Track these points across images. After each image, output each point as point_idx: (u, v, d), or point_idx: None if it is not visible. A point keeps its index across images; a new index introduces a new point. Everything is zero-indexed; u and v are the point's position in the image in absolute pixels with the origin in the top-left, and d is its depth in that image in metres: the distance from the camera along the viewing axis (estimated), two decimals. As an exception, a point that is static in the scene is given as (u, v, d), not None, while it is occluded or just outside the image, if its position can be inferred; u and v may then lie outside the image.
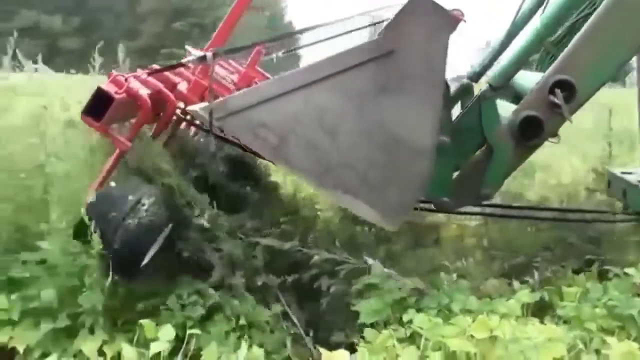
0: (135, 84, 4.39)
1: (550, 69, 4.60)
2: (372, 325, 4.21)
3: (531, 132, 4.61)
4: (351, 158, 4.21)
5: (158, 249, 4.30)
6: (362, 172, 4.22)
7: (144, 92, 4.47)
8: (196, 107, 4.28)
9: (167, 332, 3.88)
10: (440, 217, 6.10)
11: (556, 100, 4.50)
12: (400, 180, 4.23)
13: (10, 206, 4.72)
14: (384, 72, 4.13)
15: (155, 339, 3.82)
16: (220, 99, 4.30)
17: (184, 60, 4.63)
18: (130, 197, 4.19)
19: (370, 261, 4.61)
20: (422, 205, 5.30)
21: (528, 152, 4.77)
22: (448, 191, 4.80)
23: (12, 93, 5.23)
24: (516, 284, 4.97)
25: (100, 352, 3.97)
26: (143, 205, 4.18)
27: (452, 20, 4.13)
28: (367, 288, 4.53)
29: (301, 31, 5.29)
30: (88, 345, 4.01)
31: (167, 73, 5.01)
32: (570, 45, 4.60)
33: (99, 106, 4.14)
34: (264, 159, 4.60)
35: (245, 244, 4.82)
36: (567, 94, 4.49)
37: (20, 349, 4.06)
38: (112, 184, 4.32)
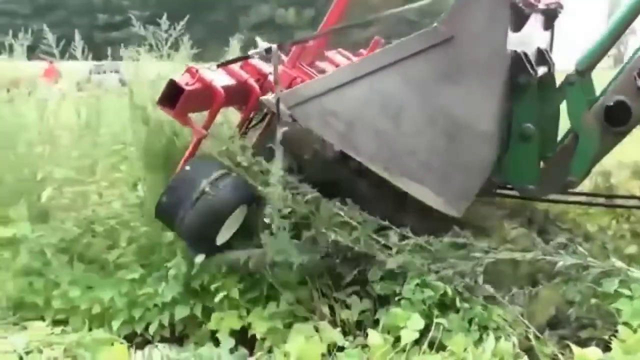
0: (209, 75, 4.53)
1: None
2: (624, 324, 3.94)
3: (618, 118, 4.44)
4: (416, 144, 4.27)
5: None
6: (427, 158, 4.26)
7: (223, 82, 4.63)
8: (268, 97, 4.50)
9: (416, 322, 3.91)
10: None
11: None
12: (464, 166, 4.24)
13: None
14: (445, 58, 4.17)
15: (404, 327, 3.88)
16: (292, 88, 4.53)
17: (250, 52, 4.78)
18: (203, 181, 4.33)
19: (618, 264, 4.29)
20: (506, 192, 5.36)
21: (615, 139, 4.58)
22: (534, 179, 4.72)
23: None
24: None
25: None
26: (212, 187, 4.32)
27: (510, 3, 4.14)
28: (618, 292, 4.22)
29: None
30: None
31: (258, 64, 5.11)
32: None
33: (174, 96, 4.33)
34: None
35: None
36: None
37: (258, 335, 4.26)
38: (187, 168, 4.47)
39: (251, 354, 4.18)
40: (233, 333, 4.30)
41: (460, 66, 4.18)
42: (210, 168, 4.47)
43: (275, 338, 4.20)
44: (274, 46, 4.53)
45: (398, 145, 4.30)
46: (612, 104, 4.47)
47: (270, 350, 4.10)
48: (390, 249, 4.32)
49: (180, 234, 4.50)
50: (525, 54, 4.62)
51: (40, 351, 3.71)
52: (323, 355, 3.84)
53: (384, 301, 4.31)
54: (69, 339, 3.93)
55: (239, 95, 4.84)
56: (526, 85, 4.54)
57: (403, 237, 4.36)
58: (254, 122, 5.29)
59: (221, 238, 4.49)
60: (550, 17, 5.51)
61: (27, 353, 3.67)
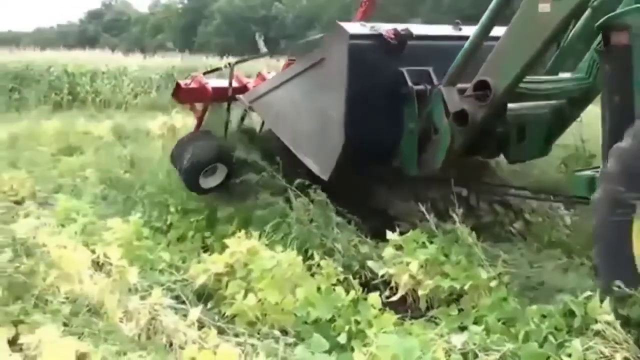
0: (202, 79, 7.16)
1: (480, 70, 5.78)
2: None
3: (462, 121, 5.86)
4: (306, 129, 6.34)
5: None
6: (310, 139, 6.31)
7: (217, 84, 7.15)
8: (241, 95, 6.92)
9: None
10: None
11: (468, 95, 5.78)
12: (327, 144, 6.14)
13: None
14: (319, 72, 6.17)
15: None
16: (254, 87, 6.95)
17: (221, 66, 7.45)
18: (193, 144, 6.97)
19: None
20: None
21: (462, 136, 5.98)
22: (415, 164, 6.31)
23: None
24: None
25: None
26: (194, 149, 6.90)
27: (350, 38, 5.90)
28: None
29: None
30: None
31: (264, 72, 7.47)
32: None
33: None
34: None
35: None
36: (487, 91, 5.65)
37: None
38: (185, 136, 7.31)
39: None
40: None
41: (326, 76, 6.16)
42: (200, 137, 7.19)
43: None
44: (232, 62, 7.24)
45: (298, 129, 6.47)
46: (457, 110, 5.95)
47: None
48: None
49: (180, 176, 7.19)
50: (428, 72, 6.27)
51: (476, 355, 3.81)
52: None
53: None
54: (506, 347, 3.85)
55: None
56: (406, 95, 6.24)
57: None
58: None
59: (205, 184, 7.03)
60: None
61: (464, 354, 3.81)
